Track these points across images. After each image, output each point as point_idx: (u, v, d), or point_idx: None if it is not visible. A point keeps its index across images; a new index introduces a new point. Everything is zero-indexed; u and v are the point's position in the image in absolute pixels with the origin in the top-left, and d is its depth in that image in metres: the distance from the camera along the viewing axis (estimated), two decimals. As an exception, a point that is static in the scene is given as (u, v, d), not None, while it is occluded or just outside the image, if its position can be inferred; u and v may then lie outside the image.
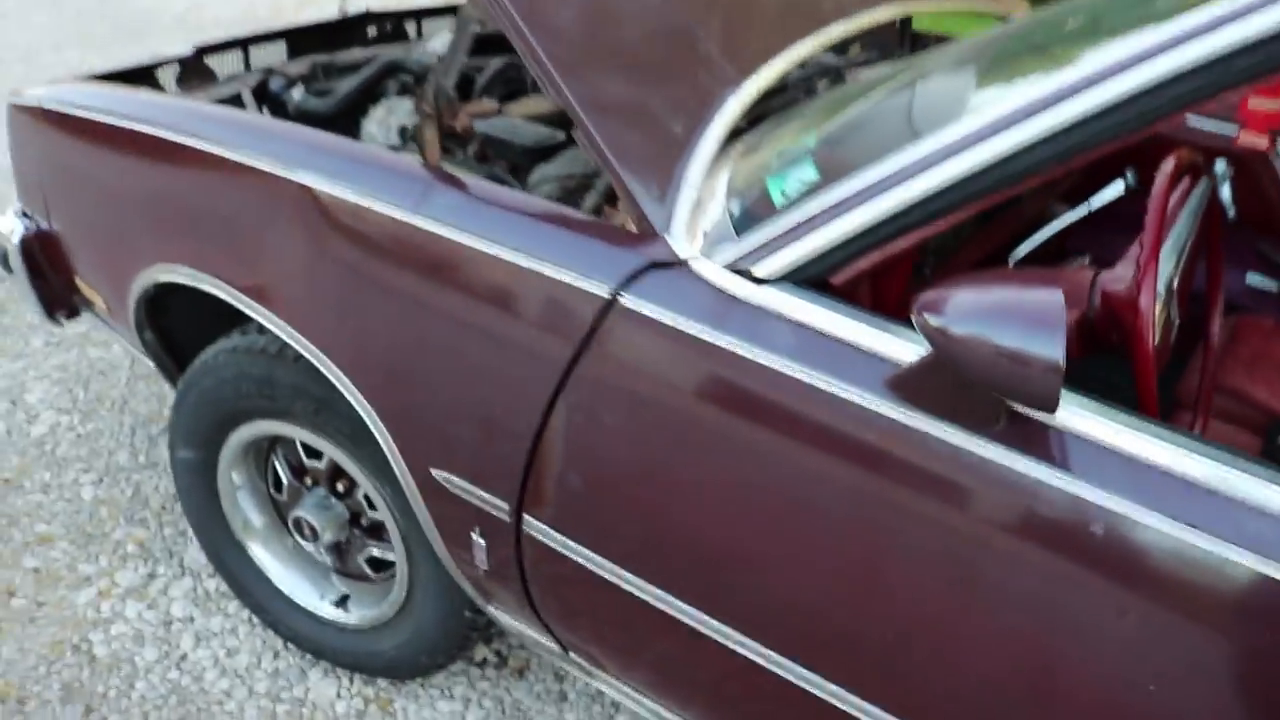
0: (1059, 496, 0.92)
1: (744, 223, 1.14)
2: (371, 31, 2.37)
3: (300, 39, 2.23)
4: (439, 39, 2.16)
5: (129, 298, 1.74)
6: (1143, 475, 0.90)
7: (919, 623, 1.03)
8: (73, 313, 2.05)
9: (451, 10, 2.51)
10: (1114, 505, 0.90)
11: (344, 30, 2.33)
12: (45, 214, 1.89)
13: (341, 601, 1.80)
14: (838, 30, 1.56)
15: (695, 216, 1.18)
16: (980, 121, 0.98)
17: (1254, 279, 1.94)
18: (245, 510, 1.81)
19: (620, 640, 1.32)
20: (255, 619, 1.92)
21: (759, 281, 1.08)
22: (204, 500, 1.81)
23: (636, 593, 1.20)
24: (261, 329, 1.59)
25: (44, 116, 1.80)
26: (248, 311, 1.51)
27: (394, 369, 1.35)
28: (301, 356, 1.51)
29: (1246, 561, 0.85)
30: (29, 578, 1.99)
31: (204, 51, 2.06)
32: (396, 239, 1.30)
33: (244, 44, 2.12)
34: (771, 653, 1.13)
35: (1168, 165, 1.22)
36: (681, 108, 1.30)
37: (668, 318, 1.10)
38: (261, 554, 1.83)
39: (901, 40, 2.12)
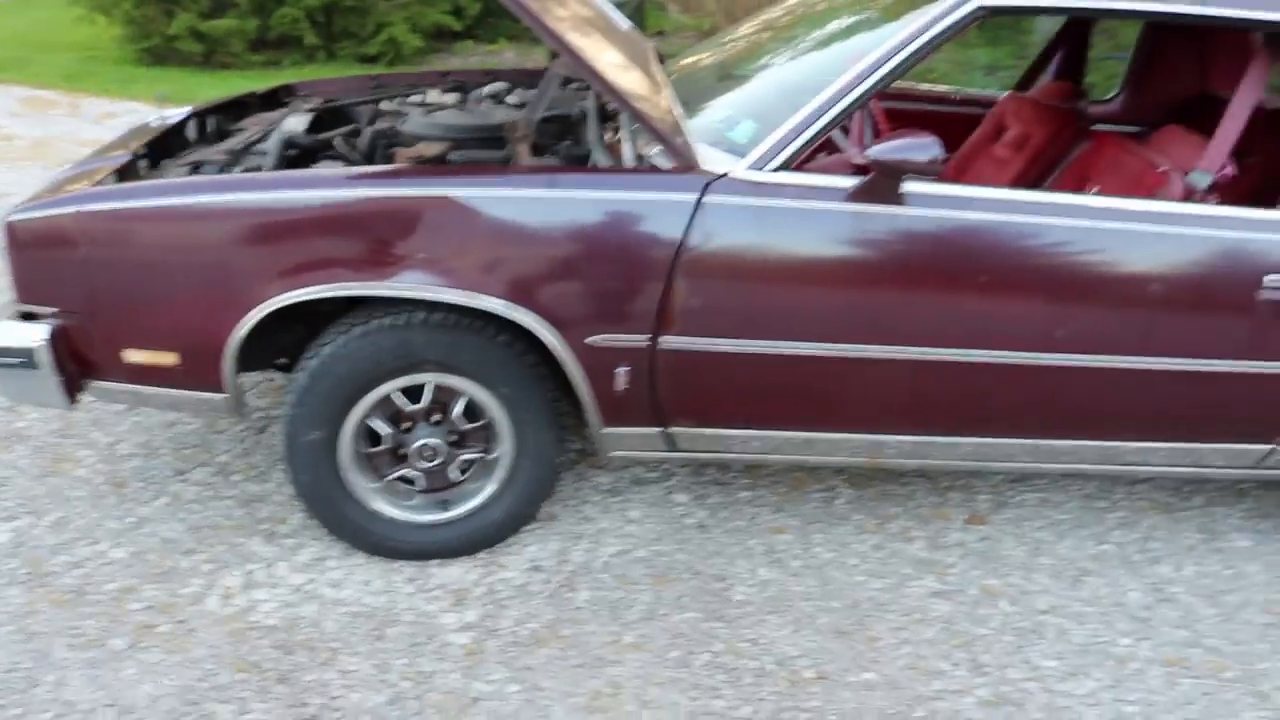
0: (931, 217, 2.22)
1: (735, 152, 2.25)
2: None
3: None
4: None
5: (228, 340, 2.23)
6: (960, 198, 2.24)
7: (891, 304, 2.27)
8: (80, 393, 2.38)
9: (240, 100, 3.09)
10: (940, 215, 2.23)
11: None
12: (89, 306, 2.25)
13: (444, 505, 2.50)
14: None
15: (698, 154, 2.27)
16: (861, 66, 2.21)
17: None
18: (356, 469, 2.41)
19: (747, 390, 2.34)
20: (361, 556, 2.50)
21: (774, 172, 2.21)
22: (327, 472, 2.38)
23: (757, 350, 2.26)
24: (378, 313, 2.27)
25: (92, 218, 2.22)
26: (392, 294, 2.20)
27: (552, 287, 2.21)
28: (430, 317, 2.25)
29: None
30: (150, 612, 2.31)
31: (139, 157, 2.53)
32: (539, 204, 2.17)
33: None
34: (852, 345, 2.28)
35: None
36: (657, 95, 2.38)
37: (737, 201, 2.18)
38: (374, 500, 2.45)
39: None
